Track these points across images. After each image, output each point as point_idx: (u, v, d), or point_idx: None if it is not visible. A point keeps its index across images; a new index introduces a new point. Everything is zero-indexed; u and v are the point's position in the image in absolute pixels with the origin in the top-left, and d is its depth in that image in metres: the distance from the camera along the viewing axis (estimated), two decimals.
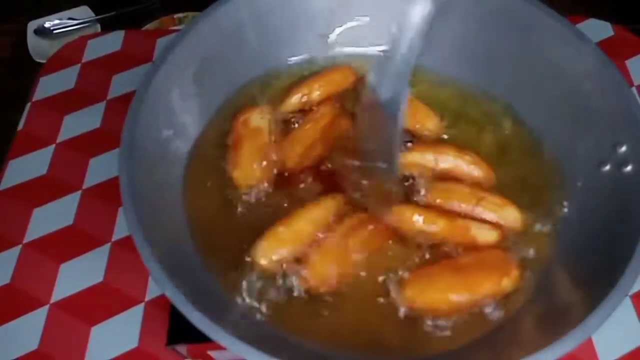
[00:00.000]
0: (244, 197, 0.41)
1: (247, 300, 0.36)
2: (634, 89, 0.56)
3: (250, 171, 0.41)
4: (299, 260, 0.37)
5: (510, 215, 0.39)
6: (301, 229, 0.38)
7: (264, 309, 0.36)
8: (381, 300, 0.36)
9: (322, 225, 0.38)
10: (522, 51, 0.44)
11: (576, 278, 0.36)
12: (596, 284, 0.32)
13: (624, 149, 0.37)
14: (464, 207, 0.39)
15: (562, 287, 0.36)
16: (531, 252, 0.38)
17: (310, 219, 0.38)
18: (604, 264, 0.34)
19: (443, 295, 0.36)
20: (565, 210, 0.40)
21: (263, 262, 0.37)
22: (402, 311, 0.36)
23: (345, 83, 0.46)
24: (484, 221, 0.39)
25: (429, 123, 0.44)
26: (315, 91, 0.45)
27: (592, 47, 0.40)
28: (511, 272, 0.36)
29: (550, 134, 0.43)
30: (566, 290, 0.36)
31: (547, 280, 0.37)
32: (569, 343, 0.29)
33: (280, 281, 0.37)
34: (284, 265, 0.37)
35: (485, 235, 0.38)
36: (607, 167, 0.38)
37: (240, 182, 0.41)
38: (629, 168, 0.37)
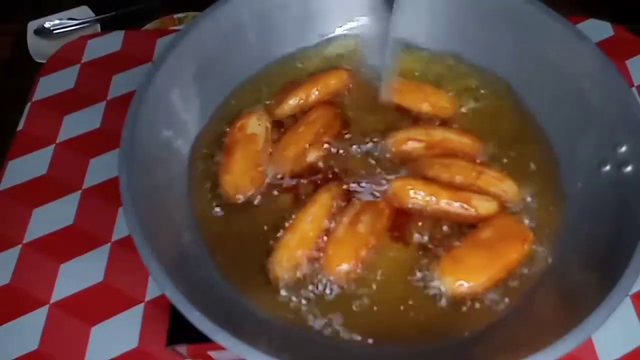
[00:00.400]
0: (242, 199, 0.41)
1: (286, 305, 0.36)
2: (634, 89, 0.56)
3: (240, 180, 0.40)
4: (316, 257, 0.38)
5: (509, 188, 0.40)
6: (305, 230, 0.38)
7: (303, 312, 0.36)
8: (414, 286, 0.37)
9: (323, 220, 0.38)
10: (522, 51, 0.44)
11: (576, 278, 0.36)
12: (596, 284, 0.32)
13: (624, 149, 0.37)
14: (464, 181, 0.40)
15: (561, 288, 0.36)
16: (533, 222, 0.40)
17: (311, 219, 0.38)
18: (604, 264, 0.34)
19: (480, 277, 0.36)
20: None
21: (281, 273, 0.37)
22: (442, 300, 0.36)
23: (341, 86, 0.46)
24: (483, 193, 0.40)
25: (442, 101, 0.45)
26: (312, 95, 0.45)
27: (592, 47, 0.40)
28: (528, 235, 0.38)
29: (550, 134, 0.43)
30: (565, 290, 0.35)
31: (546, 281, 0.37)
32: (569, 343, 0.29)
33: (307, 283, 0.37)
34: (304, 267, 0.37)
35: (487, 206, 0.39)
36: (607, 168, 0.38)
37: (229, 189, 0.40)
38: (629, 168, 0.37)
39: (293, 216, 0.39)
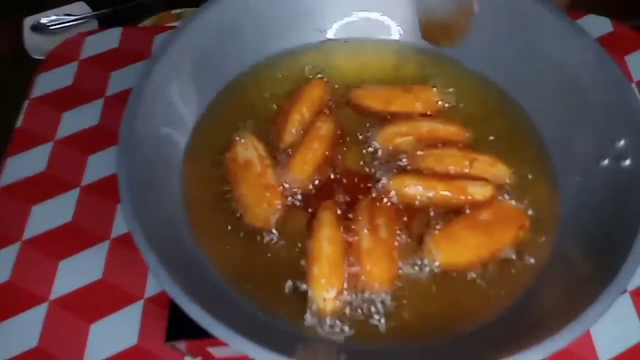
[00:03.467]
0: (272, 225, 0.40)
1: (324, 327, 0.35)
2: (633, 85, 0.56)
3: (260, 211, 0.39)
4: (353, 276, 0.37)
5: (502, 171, 0.41)
6: (329, 254, 0.36)
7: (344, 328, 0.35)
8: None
9: (339, 237, 0.37)
10: (521, 45, 0.44)
11: (574, 272, 0.36)
12: (595, 277, 0.33)
13: (622, 143, 0.37)
14: (458, 170, 0.41)
15: (559, 281, 0.36)
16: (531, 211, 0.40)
17: (327, 241, 0.37)
18: (602, 258, 0.34)
19: (471, 255, 0.37)
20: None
21: (326, 307, 0.35)
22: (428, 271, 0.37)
23: (324, 95, 0.46)
24: (477, 179, 0.41)
25: (432, 96, 0.45)
26: (305, 114, 0.44)
27: (591, 41, 0.40)
28: (525, 223, 0.39)
29: (548, 128, 0.43)
30: (563, 283, 0.36)
31: (544, 275, 0.37)
32: (565, 336, 0.29)
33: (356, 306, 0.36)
34: (345, 291, 0.36)
35: (482, 192, 0.40)
36: (606, 162, 0.38)
37: (257, 223, 0.39)
38: (627, 162, 0.37)
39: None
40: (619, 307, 0.29)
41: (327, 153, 0.42)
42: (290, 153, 0.42)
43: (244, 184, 0.40)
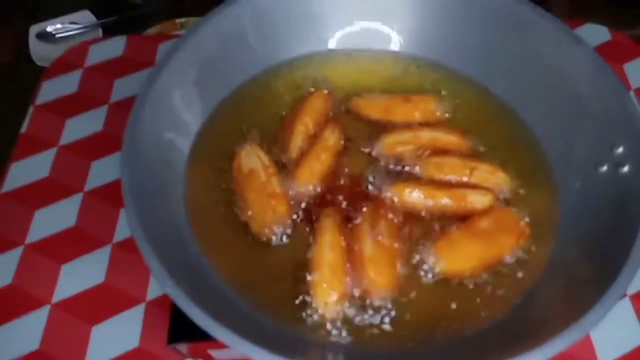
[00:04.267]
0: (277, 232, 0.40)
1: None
2: (631, 92, 0.56)
3: (264, 217, 0.40)
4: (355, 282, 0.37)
5: (502, 180, 0.42)
6: (330, 260, 0.37)
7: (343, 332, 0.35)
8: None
9: (341, 243, 0.38)
10: (519, 53, 0.45)
11: (573, 277, 0.36)
12: (593, 282, 0.33)
13: (620, 149, 0.38)
14: (458, 178, 0.41)
15: (559, 286, 0.36)
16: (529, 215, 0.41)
17: (329, 247, 0.37)
18: (602, 262, 0.34)
19: (472, 264, 0.38)
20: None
21: (330, 311, 0.36)
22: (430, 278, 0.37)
23: (326, 106, 0.46)
24: (477, 187, 0.41)
25: (431, 105, 0.46)
26: (309, 125, 0.44)
27: (588, 50, 0.41)
28: (525, 231, 0.39)
29: (547, 135, 0.44)
30: (563, 288, 0.36)
31: (544, 280, 0.37)
32: (565, 340, 0.29)
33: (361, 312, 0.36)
34: (348, 296, 0.36)
35: (482, 200, 0.40)
36: (605, 168, 0.39)
37: (260, 231, 0.39)
38: (625, 169, 0.37)
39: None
40: (618, 311, 0.29)
41: (334, 164, 0.43)
42: (295, 162, 0.43)
43: (248, 193, 0.41)
